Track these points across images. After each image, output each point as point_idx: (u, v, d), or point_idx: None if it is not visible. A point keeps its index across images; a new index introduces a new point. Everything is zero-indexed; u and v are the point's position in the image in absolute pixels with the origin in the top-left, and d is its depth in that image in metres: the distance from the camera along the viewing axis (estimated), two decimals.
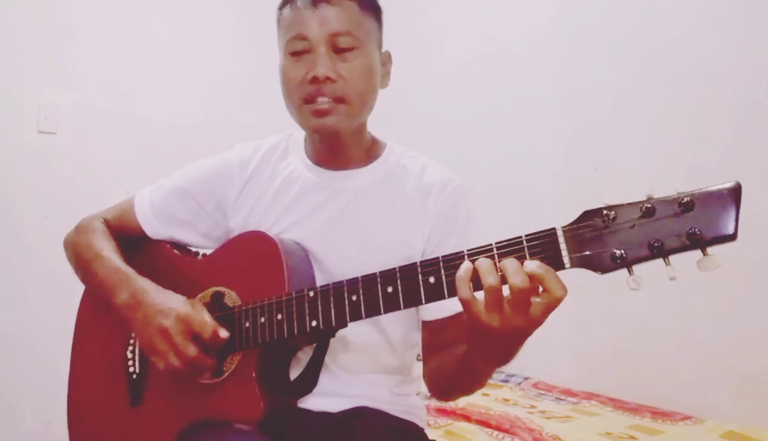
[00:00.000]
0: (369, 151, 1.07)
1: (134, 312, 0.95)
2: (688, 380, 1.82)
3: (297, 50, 0.95)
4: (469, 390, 0.98)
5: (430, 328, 1.03)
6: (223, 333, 0.89)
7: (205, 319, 0.89)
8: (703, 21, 1.85)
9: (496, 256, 0.73)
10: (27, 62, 2.14)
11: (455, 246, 0.99)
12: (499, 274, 0.70)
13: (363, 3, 0.98)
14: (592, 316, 1.98)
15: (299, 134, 1.10)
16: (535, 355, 2.40)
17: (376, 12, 1.01)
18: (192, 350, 0.88)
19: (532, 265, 0.69)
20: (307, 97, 0.95)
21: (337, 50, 0.95)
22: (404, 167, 1.06)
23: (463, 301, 0.72)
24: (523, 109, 2.34)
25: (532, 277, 0.69)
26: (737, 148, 1.75)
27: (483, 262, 0.71)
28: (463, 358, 0.85)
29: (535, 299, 0.70)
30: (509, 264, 0.70)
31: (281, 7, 1.00)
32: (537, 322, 0.71)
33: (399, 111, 2.13)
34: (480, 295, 0.72)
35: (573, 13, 2.21)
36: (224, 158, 1.09)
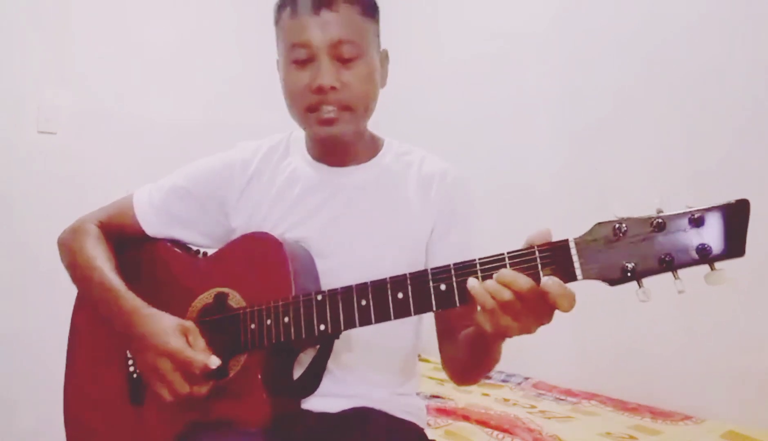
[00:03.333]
0: (368, 147, 1.08)
1: (126, 340, 0.97)
2: (688, 380, 1.82)
3: (299, 58, 0.95)
4: (488, 368, 1.00)
5: (441, 317, 1.04)
6: (214, 363, 0.87)
7: (191, 357, 0.87)
8: (704, 20, 1.85)
9: (508, 266, 0.74)
10: (27, 62, 2.14)
11: (459, 237, 1.01)
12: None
13: (363, 7, 0.98)
14: (592, 316, 1.97)
15: (299, 133, 1.11)
16: (536, 355, 2.40)
17: (375, 14, 1.01)
18: (183, 388, 0.87)
19: (549, 281, 0.71)
20: (311, 105, 0.95)
21: (340, 58, 0.95)
22: (403, 161, 1.07)
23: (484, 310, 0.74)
24: (523, 109, 2.34)
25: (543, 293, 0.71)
26: (738, 148, 1.74)
27: (491, 285, 0.73)
28: (478, 339, 0.89)
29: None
30: (523, 281, 0.72)
31: (280, 8, 0.99)
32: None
33: (399, 111, 2.13)
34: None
35: (573, 13, 2.21)
36: (225, 158, 1.09)
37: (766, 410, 1.65)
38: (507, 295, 0.72)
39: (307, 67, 0.95)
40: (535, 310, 0.73)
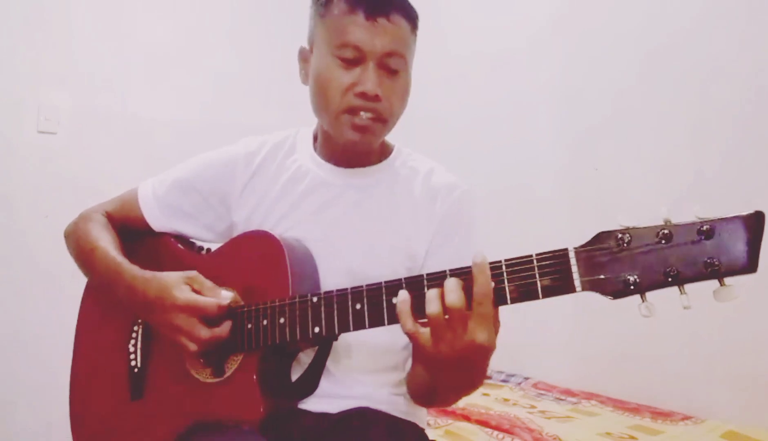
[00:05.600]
0: (378, 152, 1.07)
1: (136, 308, 0.98)
2: (688, 380, 1.82)
3: (346, 57, 0.94)
4: (444, 402, 0.99)
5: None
6: (225, 299, 0.90)
7: (201, 302, 0.89)
8: (705, 19, 1.84)
9: (504, 274, 0.72)
10: (27, 62, 2.14)
11: (457, 250, 0.99)
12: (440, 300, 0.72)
13: (413, 23, 0.98)
14: (592, 316, 1.97)
15: (306, 131, 1.10)
16: (535, 355, 2.39)
17: (417, 30, 1.01)
18: (204, 332, 0.89)
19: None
20: (350, 108, 0.94)
21: (386, 69, 0.95)
22: (412, 169, 1.07)
23: (409, 334, 0.73)
24: (523, 109, 2.34)
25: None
26: (739, 148, 1.74)
27: (430, 293, 0.72)
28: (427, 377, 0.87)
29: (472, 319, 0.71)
30: (448, 283, 0.71)
31: (329, 1, 0.97)
32: (475, 344, 0.71)
33: None
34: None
35: (573, 13, 2.21)
36: (229, 152, 1.09)
37: (766, 410, 1.65)
38: (435, 307, 0.71)
39: (352, 69, 0.94)
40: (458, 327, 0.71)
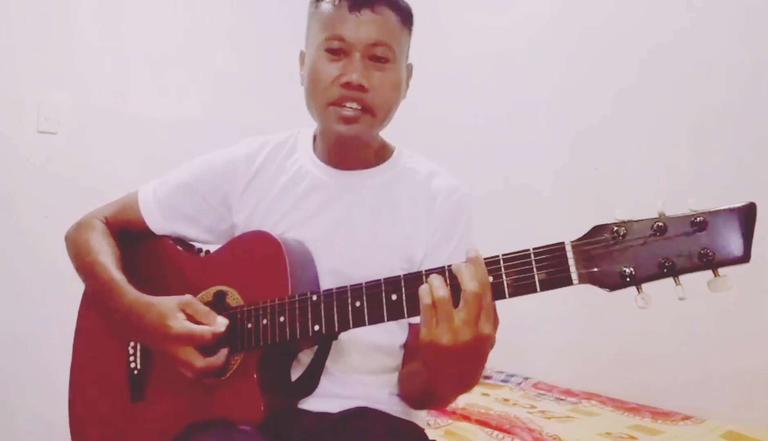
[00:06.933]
0: (378, 153, 1.07)
1: (130, 332, 0.98)
2: (688, 380, 1.82)
3: (332, 48, 0.95)
4: (442, 401, 1.00)
5: (414, 331, 1.02)
6: (221, 326, 0.89)
7: (200, 331, 0.88)
8: (705, 20, 1.85)
9: (503, 268, 0.73)
10: (27, 62, 2.14)
11: (454, 251, 0.99)
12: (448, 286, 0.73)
13: (403, 16, 0.99)
14: (592, 316, 1.97)
15: (307, 131, 1.10)
16: (536, 355, 2.39)
17: (411, 25, 1.02)
18: (199, 361, 0.88)
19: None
20: (336, 99, 0.95)
21: (373, 59, 0.95)
22: (412, 171, 1.07)
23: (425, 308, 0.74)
24: (523, 109, 2.34)
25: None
26: (739, 148, 1.74)
27: (434, 278, 0.73)
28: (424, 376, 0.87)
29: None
30: (467, 271, 0.72)
31: (318, 0, 0.99)
32: (482, 335, 0.72)
33: (399, 110, 2.12)
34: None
35: (574, 13, 2.21)
36: (229, 153, 1.09)
37: (766, 410, 1.65)
38: (442, 291, 0.72)
39: (338, 61, 0.95)
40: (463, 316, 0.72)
